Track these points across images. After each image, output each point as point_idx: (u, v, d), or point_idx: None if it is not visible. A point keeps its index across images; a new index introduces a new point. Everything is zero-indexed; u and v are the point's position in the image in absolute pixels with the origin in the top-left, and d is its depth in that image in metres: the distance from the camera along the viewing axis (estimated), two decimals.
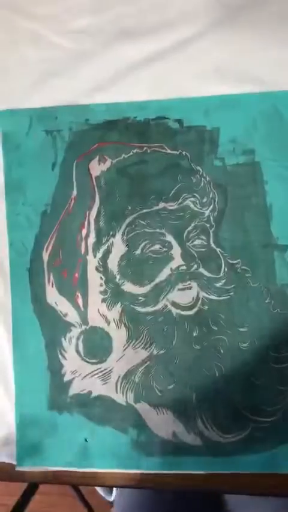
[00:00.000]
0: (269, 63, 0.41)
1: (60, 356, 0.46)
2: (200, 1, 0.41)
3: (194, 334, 0.44)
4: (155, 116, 0.44)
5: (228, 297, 0.43)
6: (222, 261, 0.43)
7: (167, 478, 0.45)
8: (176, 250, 0.44)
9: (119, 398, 0.45)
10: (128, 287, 0.45)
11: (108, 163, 0.45)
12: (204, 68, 0.41)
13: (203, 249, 0.43)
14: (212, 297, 0.43)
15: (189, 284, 0.43)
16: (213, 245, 0.43)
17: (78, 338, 0.46)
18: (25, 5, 0.41)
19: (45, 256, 0.47)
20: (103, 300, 0.46)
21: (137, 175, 0.44)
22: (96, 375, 0.46)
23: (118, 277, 0.45)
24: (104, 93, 0.45)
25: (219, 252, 0.43)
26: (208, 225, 0.43)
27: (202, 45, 0.42)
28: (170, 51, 0.42)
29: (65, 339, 0.46)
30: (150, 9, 0.42)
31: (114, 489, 0.66)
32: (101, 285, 0.46)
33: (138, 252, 0.45)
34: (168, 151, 0.44)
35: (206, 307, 0.43)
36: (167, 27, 0.42)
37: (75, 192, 0.46)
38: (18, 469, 0.46)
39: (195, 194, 0.43)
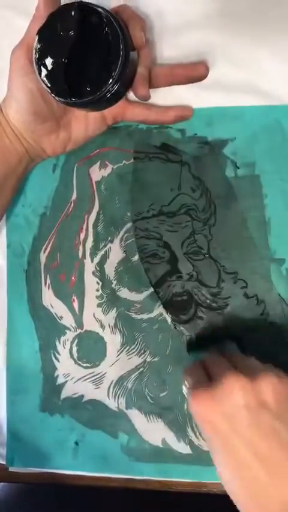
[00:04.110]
0: (273, 76, 0.41)
1: (53, 359, 0.46)
2: (202, 10, 0.40)
3: (189, 344, 0.44)
4: (157, 124, 0.44)
5: (224, 308, 0.43)
6: (219, 272, 0.43)
7: (153, 482, 0.45)
8: (173, 259, 0.44)
9: (111, 403, 0.45)
10: (124, 293, 0.45)
11: (109, 169, 0.45)
12: (207, 79, 0.41)
13: (200, 259, 0.43)
14: (208, 308, 0.43)
15: (185, 294, 0.44)
16: (210, 256, 0.43)
17: (72, 342, 0.46)
18: (25, 5, 0.40)
19: (43, 258, 0.47)
20: (99, 305, 0.46)
21: (137, 182, 0.44)
22: (89, 380, 0.46)
23: (115, 282, 0.45)
24: None
25: (216, 263, 0.43)
26: (206, 236, 0.43)
27: (204, 55, 0.41)
28: (171, 60, 0.42)
29: (59, 342, 0.46)
30: (152, 17, 0.41)
31: None
32: (98, 289, 0.46)
33: (135, 258, 0.45)
34: (170, 160, 0.44)
35: (202, 317, 0.43)
36: (169, 36, 0.42)
37: (74, 196, 0.46)
38: (11, 469, 0.47)
39: (194, 204, 0.43)
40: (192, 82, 0.41)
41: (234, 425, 0.33)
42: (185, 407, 0.44)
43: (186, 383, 0.39)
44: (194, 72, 0.40)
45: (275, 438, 0.33)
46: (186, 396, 0.41)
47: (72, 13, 0.35)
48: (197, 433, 0.44)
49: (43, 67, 0.36)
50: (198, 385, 0.36)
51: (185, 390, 0.41)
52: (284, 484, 0.32)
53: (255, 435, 0.33)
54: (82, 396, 0.46)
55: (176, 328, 0.44)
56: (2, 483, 0.57)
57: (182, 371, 0.41)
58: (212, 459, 0.35)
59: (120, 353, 0.45)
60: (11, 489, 0.57)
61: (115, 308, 0.45)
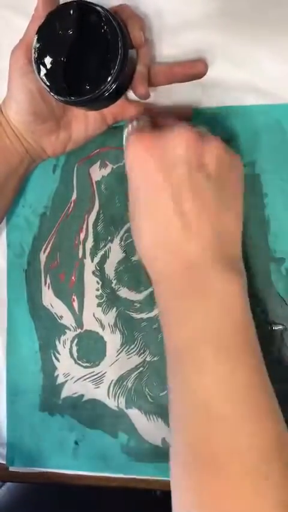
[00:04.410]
0: (273, 75, 0.41)
1: (53, 358, 0.46)
2: (202, 9, 0.40)
3: None
4: None
5: None
6: None
7: (153, 482, 0.45)
8: None
9: (111, 403, 0.45)
10: (124, 293, 0.45)
11: (109, 169, 0.45)
12: (207, 78, 0.41)
13: None
14: None
15: None
16: None
17: (72, 341, 0.46)
18: (25, 5, 0.41)
19: (43, 258, 0.47)
20: (99, 305, 0.46)
21: None
22: (89, 379, 0.46)
23: (114, 282, 0.45)
24: None
25: None
26: None
27: (204, 54, 0.41)
28: (171, 59, 0.42)
29: (59, 342, 0.46)
30: (151, 17, 0.41)
31: None
32: (97, 289, 0.46)
33: (135, 258, 0.45)
34: None
35: None
36: (168, 35, 0.42)
37: (74, 196, 0.46)
38: (11, 469, 0.47)
39: None
40: (191, 80, 0.41)
41: (168, 177, 0.33)
42: None
43: (128, 126, 0.38)
44: (192, 69, 0.40)
45: (202, 200, 0.33)
46: (124, 141, 0.39)
47: (71, 12, 0.35)
48: None
49: (42, 66, 0.36)
50: (143, 128, 0.36)
51: (125, 134, 0.39)
52: (196, 241, 0.33)
53: (186, 191, 0.33)
54: (82, 395, 0.46)
55: None
56: (6, 484, 0.58)
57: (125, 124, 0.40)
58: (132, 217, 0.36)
59: (120, 352, 0.45)
60: (15, 490, 0.57)
61: (115, 308, 0.45)
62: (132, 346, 0.45)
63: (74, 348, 0.46)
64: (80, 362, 0.46)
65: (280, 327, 0.42)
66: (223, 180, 0.35)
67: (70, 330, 0.46)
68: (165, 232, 0.34)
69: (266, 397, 0.32)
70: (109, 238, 0.45)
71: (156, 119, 0.40)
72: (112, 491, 0.46)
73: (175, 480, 0.33)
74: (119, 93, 0.39)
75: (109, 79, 0.35)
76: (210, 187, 0.34)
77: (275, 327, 0.42)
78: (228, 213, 0.35)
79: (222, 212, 0.34)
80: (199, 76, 0.41)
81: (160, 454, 0.44)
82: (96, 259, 0.46)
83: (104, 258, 0.45)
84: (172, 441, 0.34)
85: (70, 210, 0.46)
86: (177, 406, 0.34)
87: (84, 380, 0.46)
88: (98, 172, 0.45)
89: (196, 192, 0.33)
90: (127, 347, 0.45)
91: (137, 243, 0.37)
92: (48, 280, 0.47)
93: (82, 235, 0.46)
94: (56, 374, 0.46)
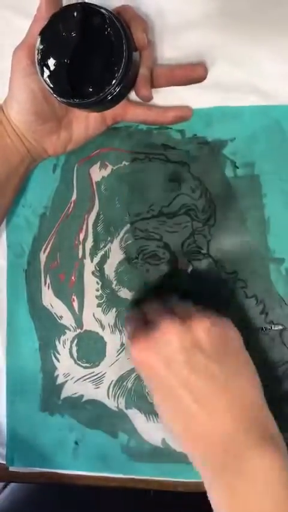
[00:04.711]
0: (272, 76, 0.41)
1: (53, 359, 0.46)
2: (202, 10, 0.41)
3: None
4: (157, 125, 0.44)
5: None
6: (219, 272, 0.43)
7: (153, 482, 0.45)
8: (173, 260, 0.44)
9: (111, 403, 0.45)
10: (124, 293, 0.45)
11: (109, 169, 0.45)
12: (206, 79, 0.41)
13: (200, 260, 0.43)
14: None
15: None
16: (210, 256, 0.43)
17: (72, 341, 0.46)
18: (26, 5, 0.41)
19: (43, 258, 0.47)
20: (99, 305, 0.46)
21: (137, 182, 0.44)
22: (89, 379, 0.46)
23: (114, 283, 0.45)
24: None
25: (215, 263, 0.43)
26: (205, 236, 0.43)
27: (204, 55, 0.41)
28: (172, 60, 0.42)
29: (59, 342, 0.46)
30: (153, 18, 0.42)
31: None
32: (97, 289, 0.46)
33: (135, 259, 0.45)
34: (169, 160, 0.44)
35: None
36: (170, 36, 0.42)
37: (74, 196, 0.46)
38: (11, 469, 0.47)
39: (194, 204, 0.43)
40: (191, 83, 0.41)
41: (171, 367, 0.35)
42: None
43: (125, 331, 0.42)
44: (193, 73, 0.41)
45: (208, 376, 0.35)
46: (125, 344, 0.44)
47: (75, 14, 0.35)
48: None
49: (45, 67, 0.36)
50: (136, 331, 0.38)
51: (125, 338, 0.44)
52: (220, 418, 0.34)
53: (191, 375, 0.35)
54: (82, 396, 0.46)
55: None
56: (10, 485, 0.58)
57: (124, 319, 0.44)
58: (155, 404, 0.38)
59: (120, 352, 0.45)
60: (19, 491, 0.57)
61: (115, 308, 0.45)
62: None
63: (74, 349, 0.46)
64: (80, 362, 0.46)
65: (280, 327, 0.42)
66: (221, 349, 0.36)
67: (70, 330, 0.46)
68: (188, 419, 0.35)
69: None
70: (109, 238, 0.45)
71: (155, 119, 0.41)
72: (111, 491, 0.46)
73: None
74: (122, 96, 0.39)
75: (113, 82, 0.35)
76: (210, 361, 0.35)
77: (275, 327, 0.42)
78: (238, 377, 0.36)
79: (231, 379, 0.35)
80: (199, 79, 0.41)
81: (160, 454, 0.44)
82: (96, 260, 0.46)
83: (104, 258, 0.45)
84: None
85: (70, 210, 0.46)
86: None
87: (84, 380, 0.46)
88: (98, 173, 0.45)
89: (200, 372, 0.35)
90: (127, 347, 0.45)
91: (168, 431, 0.38)
92: (48, 281, 0.47)
93: (82, 236, 0.46)
94: (56, 374, 0.46)
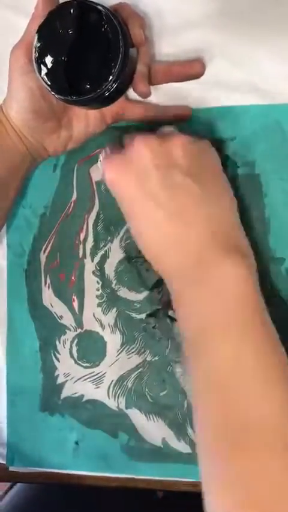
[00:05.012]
0: (272, 75, 0.41)
1: (53, 358, 0.46)
2: (201, 9, 0.41)
3: None
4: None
5: None
6: None
7: (153, 482, 0.45)
8: None
9: (111, 403, 0.45)
10: (124, 293, 0.45)
11: None
12: (206, 79, 0.41)
13: None
14: None
15: None
16: None
17: (72, 341, 0.46)
18: (25, 5, 0.41)
19: (43, 258, 0.47)
20: (99, 305, 0.46)
21: None
22: (89, 379, 0.46)
23: (115, 282, 0.45)
24: None
25: None
26: None
27: (203, 54, 0.41)
28: (170, 58, 0.42)
29: (59, 342, 0.46)
30: (151, 15, 0.42)
31: None
32: (98, 289, 0.46)
33: (135, 258, 0.45)
34: None
35: None
36: (168, 34, 0.42)
37: (75, 196, 0.46)
38: (11, 469, 0.47)
39: None
40: (189, 80, 0.41)
41: (146, 187, 0.35)
42: (185, 406, 0.44)
43: (101, 154, 0.40)
44: (190, 70, 0.41)
45: (186, 194, 0.34)
46: (99, 167, 0.42)
47: (72, 11, 0.35)
48: None
49: (43, 65, 0.36)
50: (111, 154, 0.38)
51: (99, 162, 0.42)
52: (193, 228, 0.34)
53: (167, 194, 0.34)
54: (82, 396, 0.46)
55: (175, 327, 0.44)
56: (16, 485, 0.58)
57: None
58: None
59: (120, 352, 0.45)
60: (25, 491, 0.58)
61: (115, 308, 0.45)
62: (133, 346, 0.45)
63: (74, 348, 0.46)
64: (80, 362, 0.46)
65: None
66: (197, 167, 0.35)
67: (70, 330, 0.46)
68: (160, 234, 0.35)
69: (277, 365, 0.32)
70: (109, 238, 0.45)
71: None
72: (112, 491, 0.46)
73: (201, 462, 0.33)
74: (119, 92, 0.39)
75: (110, 78, 0.35)
76: (186, 179, 0.34)
77: None
78: (214, 195, 0.36)
79: (207, 197, 0.35)
80: (197, 76, 0.41)
81: (160, 454, 0.44)
82: (96, 259, 0.46)
83: (104, 258, 0.45)
84: (195, 423, 0.35)
85: (70, 210, 0.46)
86: (196, 388, 0.35)
87: (84, 380, 0.46)
88: (98, 173, 0.45)
89: (174, 189, 0.34)
90: (127, 347, 0.45)
91: (140, 248, 0.38)
92: (48, 280, 0.47)
93: (82, 235, 0.46)
94: (56, 374, 0.46)
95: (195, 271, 0.34)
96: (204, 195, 0.35)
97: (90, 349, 0.46)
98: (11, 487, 0.60)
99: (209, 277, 0.34)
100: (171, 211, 0.34)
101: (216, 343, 0.33)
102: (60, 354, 0.46)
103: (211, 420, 0.32)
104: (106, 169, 0.37)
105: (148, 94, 0.40)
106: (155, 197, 0.34)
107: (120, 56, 0.35)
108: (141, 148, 0.35)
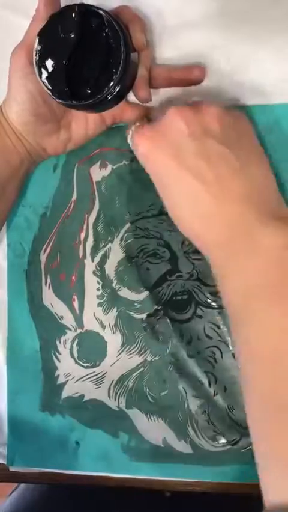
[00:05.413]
0: (273, 75, 0.41)
1: (54, 358, 0.46)
2: (202, 10, 0.41)
3: (189, 343, 0.44)
4: None
5: (223, 307, 0.43)
6: None
7: (153, 482, 0.45)
8: (173, 259, 0.44)
9: (111, 403, 0.45)
10: (125, 293, 0.45)
11: (109, 169, 0.45)
12: (207, 79, 0.41)
13: (200, 259, 0.43)
14: (208, 307, 0.43)
15: (185, 293, 0.44)
16: None
17: (73, 341, 0.46)
18: (25, 5, 0.41)
19: (43, 258, 0.47)
20: (99, 305, 0.46)
21: (137, 182, 0.44)
22: (89, 379, 0.46)
23: (115, 282, 0.45)
24: None
25: None
26: None
27: (204, 55, 0.41)
28: (171, 61, 0.42)
29: (59, 342, 0.46)
30: (152, 18, 0.42)
31: None
32: (98, 289, 0.46)
33: (135, 258, 0.45)
34: None
35: (201, 317, 0.43)
36: (169, 36, 0.42)
37: (75, 196, 0.46)
38: (12, 469, 0.47)
39: None
40: (189, 85, 0.41)
41: (180, 157, 0.33)
42: (186, 406, 0.44)
43: (131, 129, 0.39)
44: (190, 75, 0.40)
45: (221, 164, 0.33)
46: (130, 143, 0.39)
47: (73, 15, 0.35)
48: (198, 432, 0.44)
49: (43, 68, 0.36)
50: (140, 127, 0.36)
51: (129, 137, 0.39)
52: (232, 198, 0.33)
53: (203, 163, 0.33)
54: (83, 396, 0.46)
55: (175, 327, 0.44)
56: (20, 486, 0.58)
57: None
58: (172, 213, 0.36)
59: (121, 352, 0.45)
60: (31, 491, 0.58)
61: (115, 308, 0.45)
62: (133, 346, 0.45)
63: (75, 348, 0.46)
64: (80, 362, 0.46)
65: None
66: (232, 137, 0.34)
67: (71, 330, 0.46)
68: (199, 206, 0.34)
69: None
70: (109, 238, 0.45)
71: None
72: (112, 491, 0.46)
73: (252, 435, 0.32)
74: (120, 97, 0.39)
75: (111, 83, 0.35)
76: (221, 148, 0.33)
77: None
78: (251, 163, 0.35)
79: (245, 165, 0.34)
80: (197, 82, 0.41)
81: (161, 454, 0.44)
82: (97, 259, 0.46)
83: (105, 258, 0.45)
84: (245, 395, 0.34)
85: (70, 210, 0.46)
86: (240, 361, 0.34)
87: (85, 380, 0.46)
88: (98, 173, 0.45)
89: (210, 158, 0.33)
90: (128, 347, 0.45)
91: (176, 223, 0.36)
92: (48, 280, 0.47)
93: (82, 235, 0.46)
94: (56, 374, 0.46)
95: (240, 242, 0.33)
96: (241, 164, 0.33)
97: (90, 349, 0.46)
98: (16, 487, 0.59)
99: (254, 247, 0.32)
100: (210, 181, 0.33)
101: (263, 313, 0.31)
102: (60, 354, 0.46)
103: (259, 391, 0.31)
104: (139, 142, 0.35)
105: (149, 99, 0.40)
106: (192, 168, 0.33)
107: (121, 61, 0.35)
108: (176, 118, 0.34)
